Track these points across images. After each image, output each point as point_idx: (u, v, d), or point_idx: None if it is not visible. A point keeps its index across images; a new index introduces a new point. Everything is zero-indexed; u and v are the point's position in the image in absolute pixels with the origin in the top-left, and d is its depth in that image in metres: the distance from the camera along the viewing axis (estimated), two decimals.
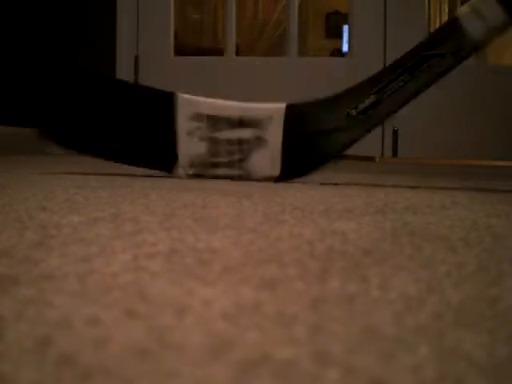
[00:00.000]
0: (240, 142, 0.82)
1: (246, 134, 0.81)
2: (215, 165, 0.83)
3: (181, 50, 2.48)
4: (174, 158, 0.83)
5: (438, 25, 4.53)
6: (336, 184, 0.86)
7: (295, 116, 0.82)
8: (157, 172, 0.88)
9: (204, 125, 0.82)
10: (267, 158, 0.82)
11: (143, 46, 2.22)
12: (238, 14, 2.27)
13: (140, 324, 0.20)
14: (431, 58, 0.75)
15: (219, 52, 2.46)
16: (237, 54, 2.32)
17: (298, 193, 0.73)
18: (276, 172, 0.82)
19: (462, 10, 0.73)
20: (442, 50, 0.74)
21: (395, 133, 2.29)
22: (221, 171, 0.83)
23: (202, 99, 0.84)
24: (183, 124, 0.81)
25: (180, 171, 0.84)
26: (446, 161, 2.28)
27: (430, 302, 0.24)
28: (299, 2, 2.23)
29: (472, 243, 0.39)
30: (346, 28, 3.97)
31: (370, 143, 2.30)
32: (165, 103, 0.82)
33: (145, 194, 0.64)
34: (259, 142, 0.81)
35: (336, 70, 2.21)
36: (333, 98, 0.81)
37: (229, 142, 0.82)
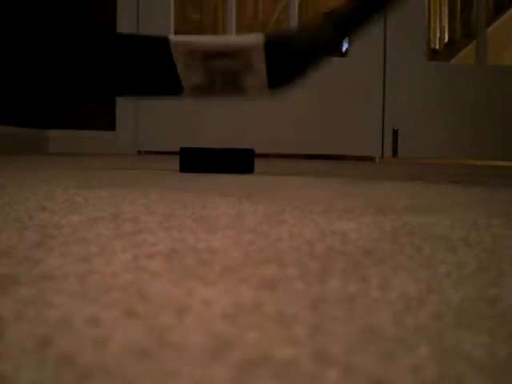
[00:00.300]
0: (229, 69, 0.97)
1: (231, 62, 0.96)
2: (213, 90, 0.99)
3: None
4: (179, 88, 0.99)
5: (438, 25, 4.54)
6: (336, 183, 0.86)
7: (273, 41, 0.95)
8: (156, 174, 0.88)
9: (198, 59, 0.96)
10: (255, 79, 0.97)
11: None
12: (238, 14, 2.28)
13: (140, 324, 0.20)
14: None
15: None
16: None
17: (297, 193, 0.73)
18: (264, 86, 0.98)
19: None
20: None
21: (395, 133, 2.29)
22: (219, 93, 1.00)
23: (192, 38, 0.97)
24: (180, 60, 0.96)
25: (186, 95, 1.01)
26: (446, 161, 2.29)
27: (430, 301, 0.24)
28: (299, 2, 2.23)
29: (472, 243, 0.39)
30: None
31: (370, 143, 2.30)
32: (162, 47, 0.95)
33: (145, 193, 0.64)
34: (246, 68, 0.96)
35: (336, 70, 2.21)
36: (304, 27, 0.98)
37: (222, 70, 0.97)
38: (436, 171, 1.55)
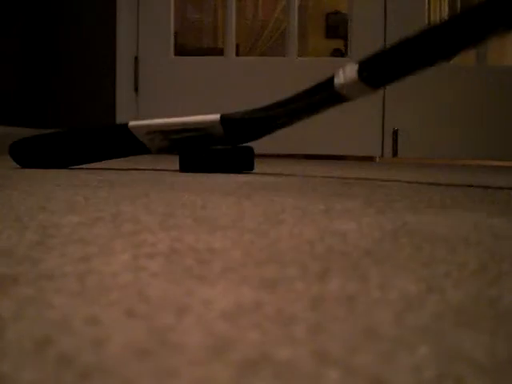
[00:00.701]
0: (193, 137, 1.08)
1: (196, 134, 1.08)
2: (179, 148, 1.11)
3: (181, 50, 2.48)
4: (147, 151, 1.12)
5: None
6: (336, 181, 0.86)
7: (228, 123, 1.07)
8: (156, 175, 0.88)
9: (159, 134, 1.09)
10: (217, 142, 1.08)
11: (143, 47, 2.22)
12: (238, 14, 2.28)
13: (140, 324, 0.20)
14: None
15: (219, 52, 2.46)
16: (237, 54, 2.32)
17: (297, 193, 0.73)
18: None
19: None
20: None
21: (395, 133, 2.29)
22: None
23: (148, 121, 1.10)
24: (142, 137, 1.09)
25: (155, 153, 1.13)
26: (446, 161, 2.28)
27: (430, 301, 0.24)
28: (299, 2, 2.22)
29: (472, 243, 0.39)
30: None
31: (370, 143, 2.30)
32: (124, 132, 1.10)
33: (145, 193, 0.64)
34: (208, 137, 1.08)
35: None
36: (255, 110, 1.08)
37: (184, 138, 1.09)
38: (436, 171, 1.55)
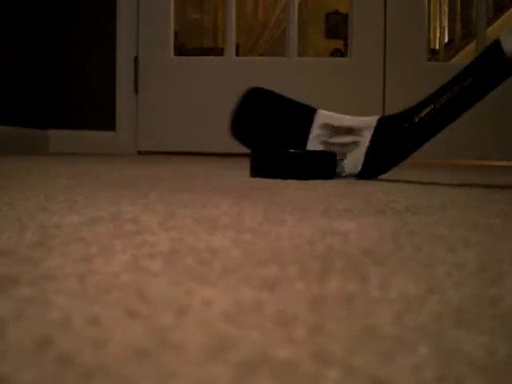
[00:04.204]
0: (341, 145, 1.02)
1: (346, 139, 1.03)
2: None
3: (181, 51, 2.48)
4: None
5: (438, 25, 4.53)
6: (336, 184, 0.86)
7: (382, 126, 1.00)
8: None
9: (326, 132, 1.05)
10: (354, 159, 1.02)
11: (143, 47, 2.22)
12: (238, 14, 2.27)
13: (140, 324, 0.20)
14: (477, 72, 0.87)
15: (219, 52, 2.46)
16: (237, 54, 2.32)
17: (297, 193, 0.73)
18: (356, 171, 1.01)
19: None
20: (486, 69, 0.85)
21: None
22: None
23: (331, 113, 1.07)
24: (314, 130, 1.06)
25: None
26: (446, 161, 2.28)
27: (430, 301, 0.24)
28: (299, 2, 2.22)
29: (472, 243, 0.39)
30: None
31: None
32: (307, 114, 1.07)
33: (145, 193, 0.64)
34: (354, 145, 1.01)
35: (336, 70, 2.21)
36: (409, 109, 0.96)
37: (336, 145, 1.03)
38: (436, 171, 1.55)
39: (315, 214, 0.51)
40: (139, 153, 2.31)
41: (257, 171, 0.97)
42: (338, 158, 1.01)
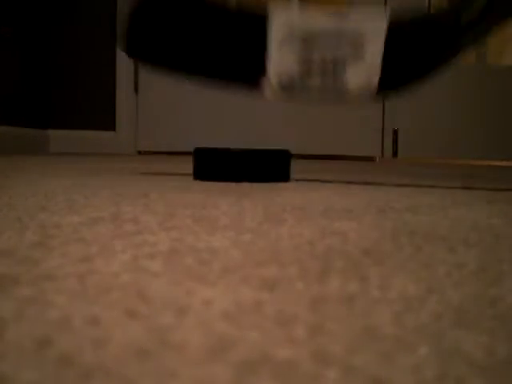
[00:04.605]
0: (335, 60, 0.79)
1: (341, 50, 0.79)
2: (306, 86, 0.81)
3: None
4: (262, 74, 0.80)
5: None
6: (336, 184, 0.86)
7: (397, 31, 0.79)
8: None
9: (297, 40, 0.79)
10: (364, 74, 0.79)
11: None
12: None
13: (140, 324, 0.20)
14: None
15: None
16: None
17: (297, 193, 0.73)
18: (373, 84, 0.79)
19: None
20: None
21: (395, 133, 2.29)
22: (313, 91, 0.81)
23: (297, 13, 0.81)
24: (276, 33, 0.79)
25: (268, 90, 0.81)
26: (446, 161, 2.28)
27: (430, 301, 0.24)
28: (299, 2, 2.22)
29: (472, 243, 0.39)
30: None
31: (370, 143, 2.30)
32: (258, 23, 0.81)
33: (145, 193, 0.64)
34: (355, 57, 0.79)
35: None
36: (442, 8, 0.79)
37: (323, 60, 0.79)
38: (436, 171, 1.55)
39: (315, 214, 0.51)
40: (139, 153, 2.31)
41: (200, 173, 0.87)
42: (330, 75, 0.79)
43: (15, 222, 0.43)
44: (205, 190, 0.71)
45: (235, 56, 0.83)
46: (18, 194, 0.61)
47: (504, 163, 2.19)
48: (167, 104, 2.26)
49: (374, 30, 0.78)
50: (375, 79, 0.78)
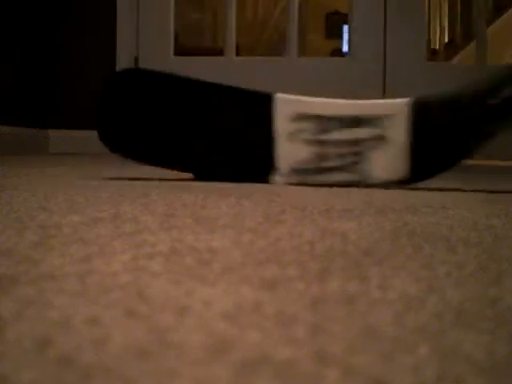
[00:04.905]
0: (354, 143, 0.74)
1: (361, 133, 0.74)
2: (323, 170, 0.75)
3: (181, 51, 2.48)
4: (270, 165, 0.76)
5: (438, 25, 4.53)
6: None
7: (423, 111, 0.74)
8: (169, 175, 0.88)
9: (310, 126, 0.74)
10: (390, 159, 0.74)
11: (143, 47, 2.22)
12: (238, 14, 2.27)
13: (140, 324, 0.20)
14: None
15: (219, 52, 2.46)
16: (237, 54, 2.31)
17: (298, 193, 0.73)
18: (404, 173, 0.74)
19: None
20: None
21: None
22: (330, 177, 0.75)
23: (306, 98, 0.76)
24: (283, 126, 0.73)
25: (278, 179, 0.76)
26: None
27: (430, 301, 0.24)
28: (299, 2, 2.22)
29: (472, 243, 0.39)
30: (345, 28, 3.98)
31: None
32: (260, 105, 0.75)
33: (145, 193, 0.64)
34: (378, 141, 0.73)
35: (336, 70, 2.21)
36: (467, 89, 0.73)
37: (339, 143, 0.74)
38: None
39: (315, 214, 0.51)
40: None
41: (201, 173, 0.84)
42: (349, 160, 0.75)
43: (15, 222, 0.43)
44: (205, 190, 0.71)
45: (236, 146, 0.77)
46: (17, 194, 0.61)
47: (504, 163, 2.19)
48: None
49: (394, 110, 0.74)
50: (404, 165, 0.74)
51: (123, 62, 2.22)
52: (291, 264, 0.31)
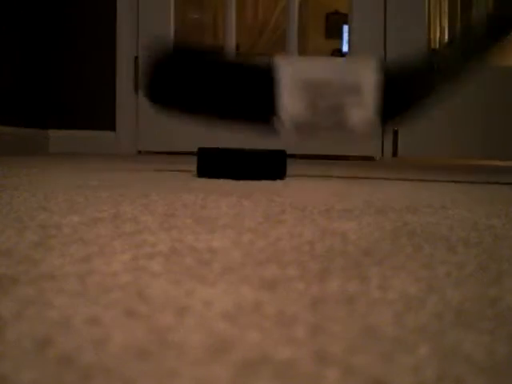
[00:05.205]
0: (340, 106, 0.90)
1: (345, 98, 0.90)
2: (314, 124, 0.92)
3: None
4: (273, 115, 0.92)
5: (437, 25, 4.53)
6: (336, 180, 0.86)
7: (387, 69, 0.91)
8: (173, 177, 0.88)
9: (304, 89, 0.90)
10: (362, 112, 0.91)
11: (143, 47, 2.22)
12: (238, 14, 2.27)
13: (140, 324, 0.20)
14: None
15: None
16: None
17: (297, 193, 0.73)
18: (371, 119, 0.91)
19: None
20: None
21: (395, 133, 2.29)
22: (320, 129, 0.93)
23: (300, 63, 0.93)
24: (285, 85, 0.90)
25: (280, 128, 0.93)
26: (446, 161, 2.28)
27: (430, 301, 0.24)
28: (299, 2, 2.22)
29: (472, 243, 0.39)
30: (345, 28, 3.98)
31: (370, 143, 2.30)
32: (266, 73, 0.91)
33: (145, 194, 0.64)
34: (354, 102, 0.90)
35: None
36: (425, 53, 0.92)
37: (327, 106, 0.91)
38: (436, 171, 1.55)
39: (315, 214, 0.51)
40: (139, 153, 2.31)
41: (203, 171, 0.94)
42: (336, 118, 0.91)
43: (15, 221, 0.43)
44: (205, 190, 0.71)
45: (247, 101, 0.95)
46: (18, 194, 0.61)
47: (504, 163, 2.19)
48: None
49: (367, 79, 0.91)
50: (371, 114, 0.91)
51: (123, 61, 2.22)
52: (291, 264, 0.31)
